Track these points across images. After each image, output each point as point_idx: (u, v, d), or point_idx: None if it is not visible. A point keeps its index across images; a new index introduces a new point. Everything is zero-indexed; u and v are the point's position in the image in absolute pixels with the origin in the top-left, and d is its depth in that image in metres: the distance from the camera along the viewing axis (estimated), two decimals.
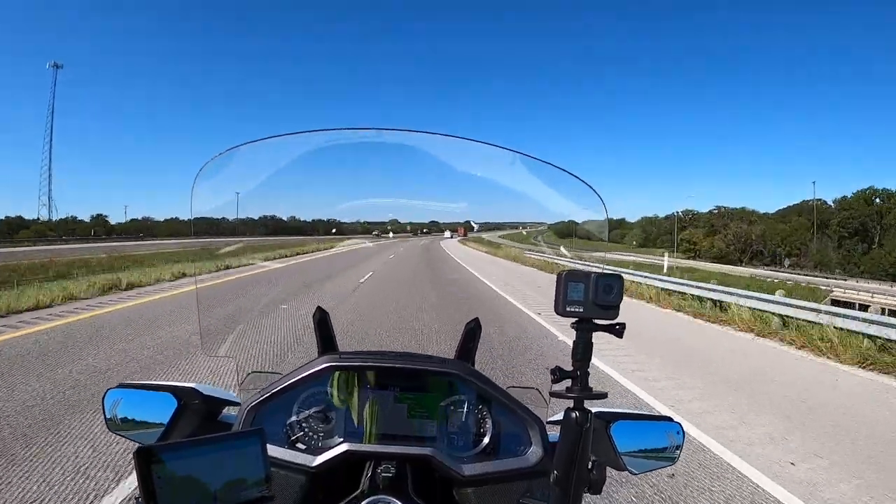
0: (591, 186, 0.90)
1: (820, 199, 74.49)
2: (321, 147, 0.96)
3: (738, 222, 75.45)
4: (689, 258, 71.73)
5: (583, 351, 0.78)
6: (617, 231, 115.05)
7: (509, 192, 1.01)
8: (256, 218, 1.28)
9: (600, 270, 0.78)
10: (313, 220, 1.41)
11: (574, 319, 0.77)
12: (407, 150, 0.98)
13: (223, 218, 1.17)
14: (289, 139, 0.94)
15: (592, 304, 0.76)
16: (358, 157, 1.05)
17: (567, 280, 0.76)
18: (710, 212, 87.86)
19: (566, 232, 1.39)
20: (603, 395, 0.79)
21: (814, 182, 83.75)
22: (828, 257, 56.50)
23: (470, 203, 1.21)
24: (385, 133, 0.95)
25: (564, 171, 0.91)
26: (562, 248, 1.27)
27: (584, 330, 0.78)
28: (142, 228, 71.55)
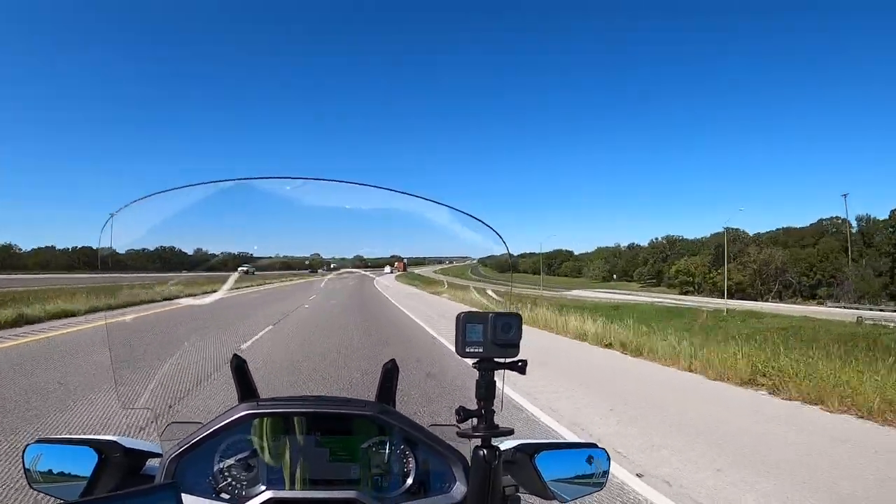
0: (491, 228, 1.04)
1: (837, 216, 66.62)
2: (231, 193, 1.04)
3: (756, 247, 63.00)
4: (683, 293, 62.83)
5: (485, 390, 0.85)
6: (569, 264, 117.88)
7: (428, 232, 1.13)
8: (152, 249, 1.32)
9: (499, 311, 0.86)
10: (222, 254, 1.46)
11: (475, 360, 0.85)
12: (324, 198, 1.09)
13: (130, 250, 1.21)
14: (197, 188, 1.02)
15: (492, 343, 0.84)
16: (269, 203, 1.13)
17: (465, 322, 0.84)
18: (701, 239, 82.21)
19: (493, 265, 1.53)
20: (509, 432, 0.88)
21: (845, 195, 69.67)
22: (870, 285, 48.43)
23: (389, 241, 1.31)
24: (296, 182, 1.03)
25: (465, 213, 1.04)
26: (489, 291, 1.38)
27: (486, 369, 0.85)
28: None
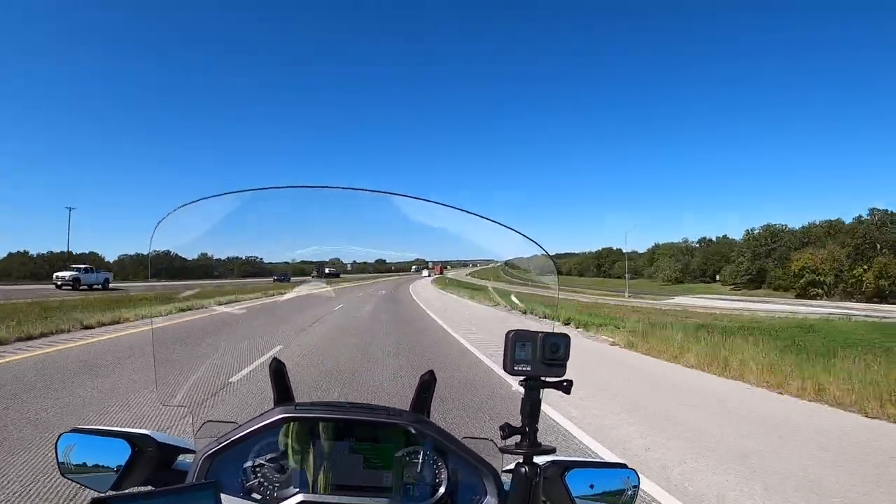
0: (526, 235, 1.08)
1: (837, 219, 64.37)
2: (272, 201, 1.13)
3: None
4: (808, 296, 51.28)
5: (531, 408, 0.89)
6: (622, 264, 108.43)
7: (452, 239, 1.18)
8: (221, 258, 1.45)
9: (549, 330, 0.89)
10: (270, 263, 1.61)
11: (522, 378, 0.88)
12: (356, 204, 1.15)
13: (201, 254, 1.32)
14: (244, 195, 1.10)
15: (540, 362, 0.87)
16: (306, 211, 1.23)
17: (514, 340, 0.87)
18: (812, 226, 68.93)
19: (516, 266, 1.56)
20: (551, 450, 0.91)
21: None
22: None
23: (418, 249, 1.37)
24: (334, 191, 1.11)
25: (497, 223, 1.07)
26: (512, 297, 1.40)
27: (532, 388, 0.89)
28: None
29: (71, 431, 1.03)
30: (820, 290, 55.20)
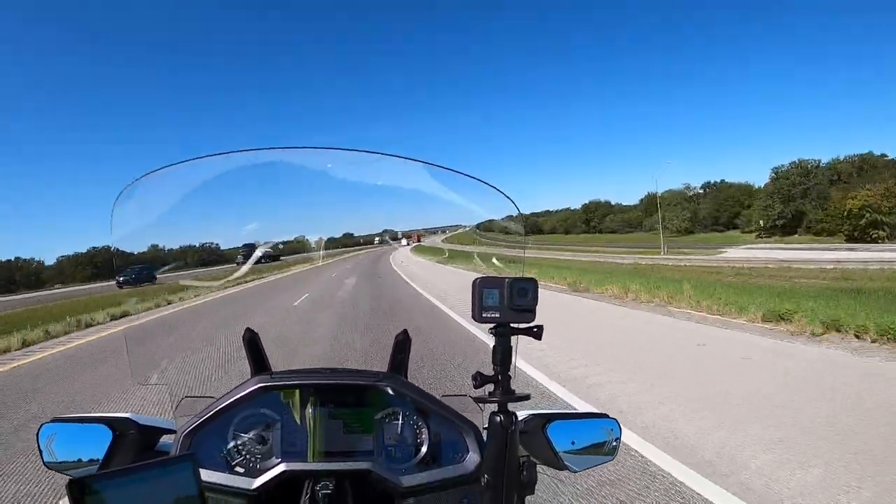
0: (501, 191, 1.09)
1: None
2: (232, 168, 1.10)
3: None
4: (866, 240, 46.47)
5: (502, 355, 0.91)
6: (614, 217, 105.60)
7: (427, 200, 1.17)
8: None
9: (514, 275, 0.90)
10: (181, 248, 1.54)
11: (492, 325, 0.90)
12: (317, 166, 1.13)
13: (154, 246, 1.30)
14: (201, 162, 1.08)
15: (508, 308, 0.88)
16: (269, 176, 1.20)
17: (482, 287, 0.88)
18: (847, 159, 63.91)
19: (489, 228, 1.55)
20: (526, 397, 0.93)
21: None
22: None
23: (388, 212, 1.35)
24: (291, 151, 1.10)
25: (473, 178, 1.08)
26: (493, 260, 1.39)
27: (502, 335, 0.91)
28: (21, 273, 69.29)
29: (51, 421, 1.05)
30: (881, 232, 49.04)
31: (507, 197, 1.09)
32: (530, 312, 0.90)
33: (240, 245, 1.47)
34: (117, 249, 1.22)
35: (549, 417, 1.05)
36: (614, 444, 1.08)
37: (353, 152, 1.07)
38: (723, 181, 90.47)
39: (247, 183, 1.19)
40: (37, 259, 75.92)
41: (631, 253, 47.15)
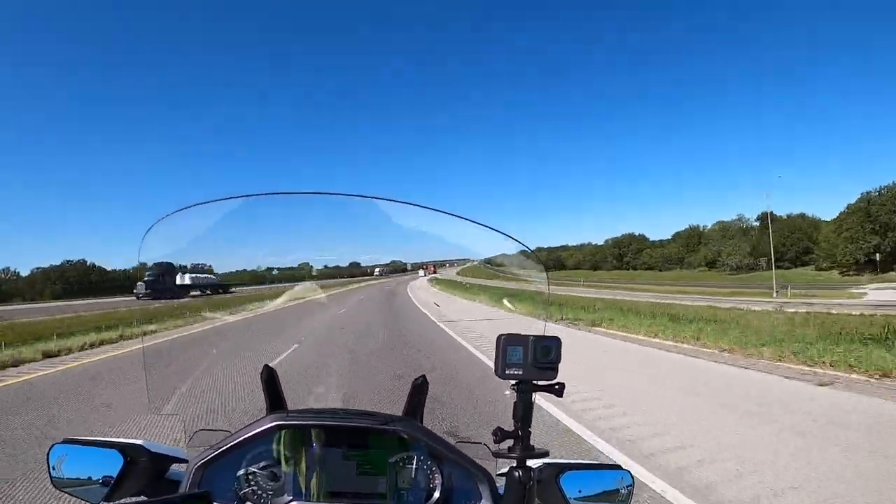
0: (513, 237, 1.17)
1: None
2: (259, 208, 1.23)
3: None
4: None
5: (523, 411, 0.96)
6: (652, 252, 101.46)
7: (433, 239, 1.27)
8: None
9: (538, 334, 0.96)
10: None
11: (514, 382, 0.95)
12: (340, 209, 1.25)
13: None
14: (228, 202, 1.19)
15: (532, 366, 0.93)
16: (294, 216, 1.34)
17: (506, 344, 0.94)
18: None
19: (496, 263, 1.66)
20: (545, 454, 0.98)
21: None
22: None
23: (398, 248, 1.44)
24: (316, 196, 1.22)
25: (482, 224, 1.17)
26: (505, 301, 1.48)
27: (525, 391, 0.96)
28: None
29: (62, 442, 1.09)
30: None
31: (520, 242, 1.18)
32: (552, 370, 0.95)
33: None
34: (142, 264, 1.32)
35: (563, 468, 1.07)
36: (625, 494, 1.10)
37: (363, 198, 1.17)
38: (783, 214, 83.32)
39: (258, 221, 1.33)
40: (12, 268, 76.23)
41: (718, 295, 39.63)
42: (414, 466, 1.12)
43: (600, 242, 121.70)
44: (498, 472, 1.13)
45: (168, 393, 1.51)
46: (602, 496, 1.07)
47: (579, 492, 1.05)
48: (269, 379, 1.19)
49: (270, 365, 1.21)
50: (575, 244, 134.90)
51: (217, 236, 1.28)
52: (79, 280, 72.63)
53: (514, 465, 0.95)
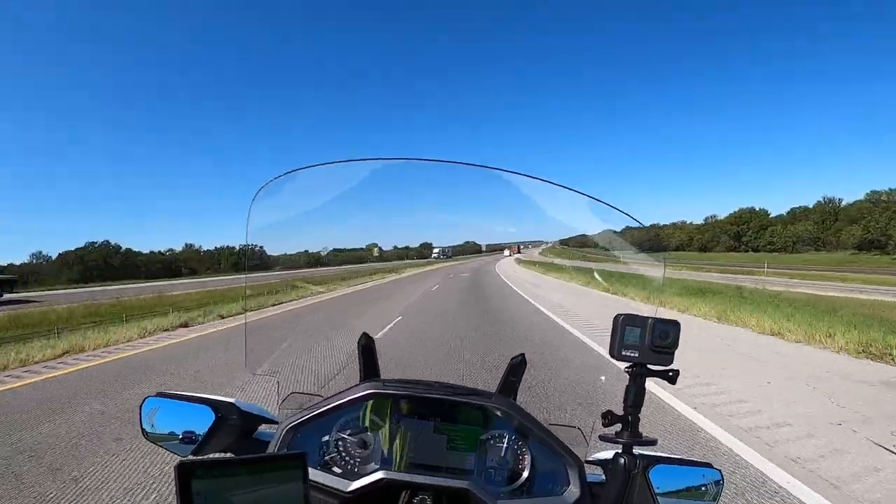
0: (617, 208, 1.16)
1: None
2: (366, 174, 1.29)
3: None
4: None
5: (635, 396, 0.97)
6: (777, 230, 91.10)
7: (534, 212, 1.28)
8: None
9: (659, 316, 0.96)
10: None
11: (628, 364, 0.95)
12: (441, 177, 1.29)
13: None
14: (336, 166, 1.26)
15: (648, 349, 0.94)
16: (400, 182, 1.42)
17: (624, 324, 0.94)
18: None
19: (581, 244, 1.60)
20: (653, 442, 0.99)
21: None
22: None
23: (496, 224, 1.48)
24: (421, 162, 1.27)
25: (585, 194, 1.17)
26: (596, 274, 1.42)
27: (638, 375, 0.96)
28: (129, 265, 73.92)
29: (156, 395, 1.16)
30: None
31: (627, 214, 1.16)
32: (669, 355, 0.95)
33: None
34: (253, 246, 1.44)
35: (654, 460, 1.08)
36: (714, 492, 1.09)
37: (463, 164, 1.21)
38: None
39: (363, 189, 1.38)
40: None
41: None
42: (504, 445, 1.16)
43: (698, 221, 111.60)
44: (586, 459, 1.15)
45: (265, 354, 1.62)
46: (689, 492, 1.07)
47: (667, 486, 1.06)
48: (366, 347, 1.27)
49: (368, 333, 1.28)
50: (667, 223, 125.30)
51: (324, 204, 1.37)
52: (101, 264, 70.50)
53: (621, 450, 0.97)
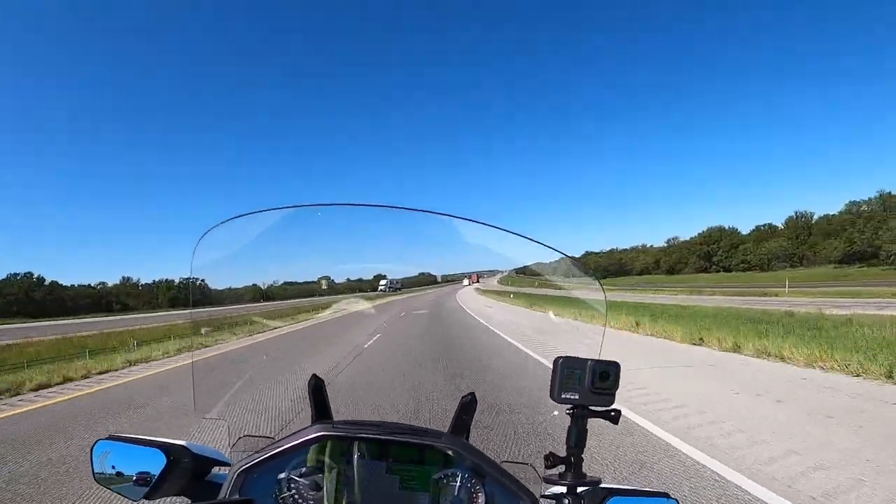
0: (545, 244, 1.23)
1: None
2: (307, 218, 1.34)
3: None
4: None
5: (577, 437, 1.01)
6: (750, 248, 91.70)
7: (474, 249, 1.35)
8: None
9: (597, 358, 1.00)
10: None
11: (569, 406, 0.99)
12: (382, 221, 1.33)
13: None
14: (274, 213, 1.30)
15: (588, 391, 0.98)
16: (339, 226, 1.47)
17: (564, 366, 0.98)
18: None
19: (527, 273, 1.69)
20: (597, 482, 1.03)
21: None
22: None
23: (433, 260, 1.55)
24: (357, 208, 1.31)
25: (517, 234, 1.23)
26: (551, 315, 1.51)
27: (580, 417, 1.00)
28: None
29: (107, 438, 1.18)
30: None
31: (566, 254, 1.25)
32: (610, 396, 0.99)
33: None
34: (196, 279, 1.47)
35: (610, 492, 1.11)
36: None
37: (401, 210, 1.26)
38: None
39: (303, 232, 1.45)
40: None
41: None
42: (458, 484, 1.17)
43: (659, 244, 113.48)
44: (543, 494, 1.17)
45: (215, 398, 1.62)
46: None
47: None
48: (317, 388, 1.29)
49: (318, 375, 1.30)
50: (626, 247, 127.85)
51: (264, 248, 1.42)
52: (22, 298, 66.88)
53: (565, 491, 1.00)
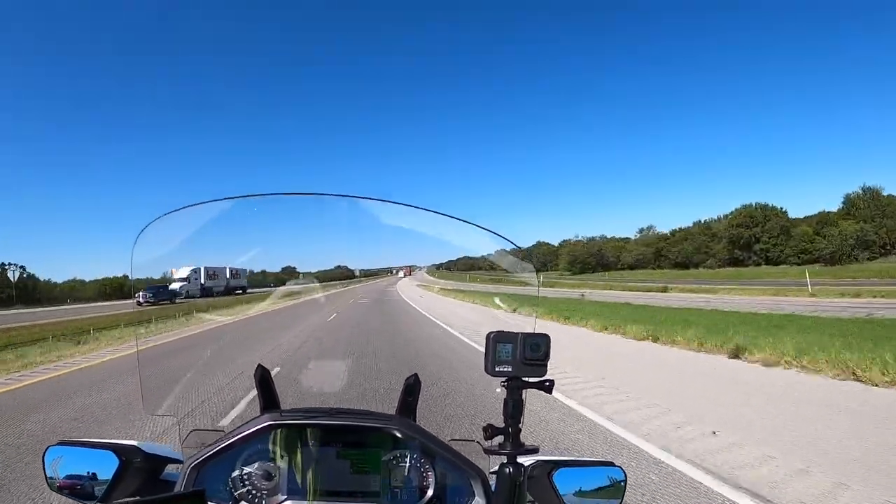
0: (497, 233, 1.35)
1: None
2: (247, 209, 1.43)
3: None
4: None
5: (513, 408, 1.14)
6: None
7: (415, 238, 1.49)
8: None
9: (528, 331, 1.13)
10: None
11: (504, 379, 1.13)
12: (328, 210, 1.46)
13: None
14: (215, 204, 1.41)
15: (521, 363, 1.11)
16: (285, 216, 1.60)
17: (496, 341, 1.12)
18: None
19: (471, 266, 1.86)
20: (535, 450, 1.17)
21: None
22: None
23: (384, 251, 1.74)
24: (302, 197, 1.44)
25: (466, 221, 1.36)
26: (496, 300, 1.65)
27: (514, 388, 1.14)
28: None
29: (58, 444, 1.28)
30: None
31: (505, 237, 1.38)
32: (542, 367, 1.13)
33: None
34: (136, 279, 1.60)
35: (555, 465, 1.27)
36: (619, 490, 1.30)
37: (346, 197, 1.39)
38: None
39: (249, 222, 1.56)
40: None
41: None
42: (407, 464, 1.32)
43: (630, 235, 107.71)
44: (491, 470, 1.32)
45: (163, 393, 1.73)
46: (595, 493, 1.28)
47: (572, 488, 1.25)
48: (263, 378, 1.42)
49: (263, 365, 1.43)
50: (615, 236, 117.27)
51: (207, 239, 1.54)
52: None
53: (505, 461, 1.13)
